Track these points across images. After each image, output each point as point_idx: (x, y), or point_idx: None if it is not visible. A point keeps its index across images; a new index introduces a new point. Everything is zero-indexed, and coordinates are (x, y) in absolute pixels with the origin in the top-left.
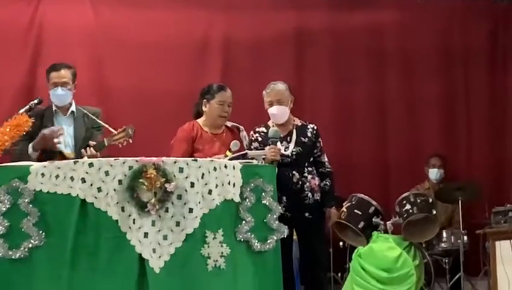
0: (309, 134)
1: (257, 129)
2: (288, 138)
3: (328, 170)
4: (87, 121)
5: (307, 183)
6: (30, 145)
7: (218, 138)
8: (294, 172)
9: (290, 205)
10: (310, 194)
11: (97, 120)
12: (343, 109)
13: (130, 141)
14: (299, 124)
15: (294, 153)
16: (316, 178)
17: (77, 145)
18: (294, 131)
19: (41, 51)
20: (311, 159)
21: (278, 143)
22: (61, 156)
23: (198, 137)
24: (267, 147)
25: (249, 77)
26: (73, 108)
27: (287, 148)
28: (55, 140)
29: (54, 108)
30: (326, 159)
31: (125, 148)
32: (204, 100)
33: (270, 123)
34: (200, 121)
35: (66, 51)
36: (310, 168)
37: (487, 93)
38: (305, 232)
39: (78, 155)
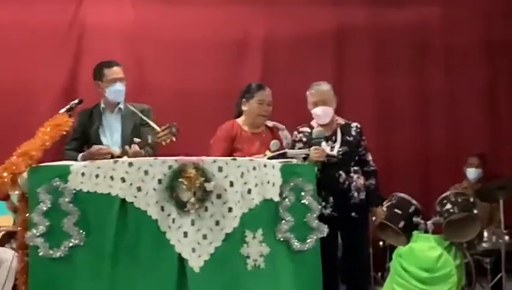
0: (353, 133)
1: (301, 129)
2: (333, 138)
3: (373, 168)
4: (135, 118)
5: (354, 183)
6: (80, 157)
7: (258, 137)
8: (340, 172)
9: (336, 205)
10: (356, 193)
11: (144, 117)
12: (383, 107)
13: (174, 139)
14: (343, 123)
15: (340, 152)
16: (362, 177)
17: (125, 143)
18: (339, 130)
19: (83, 50)
20: (357, 158)
21: (323, 143)
22: (112, 156)
23: (238, 136)
24: (312, 148)
25: (290, 75)
26: (121, 105)
27: (332, 148)
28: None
29: (102, 105)
30: (370, 157)
31: (164, 147)
32: (244, 99)
33: (313, 123)
34: (240, 120)
35: (107, 50)
36: (355, 168)
37: None
38: (351, 232)
39: (125, 152)
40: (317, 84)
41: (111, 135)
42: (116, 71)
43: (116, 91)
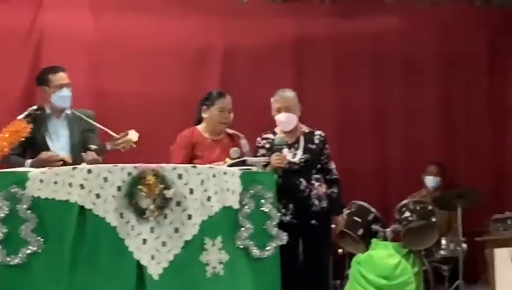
0: (316, 141)
1: (264, 136)
2: (296, 145)
3: (336, 177)
4: (81, 123)
5: (314, 191)
6: (28, 163)
7: (218, 144)
8: (301, 179)
9: (296, 213)
10: (316, 201)
11: (95, 124)
12: (343, 117)
13: (134, 146)
14: (307, 131)
15: (302, 160)
16: (323, 185)
17: (73, 148)
18: (302, 138)
19: (42, 56)
20: (319, 166)
21: (285, 150)
22: (64, 163)
23: (199, 143)
24: (273, 154)
25: (250, 85)
26: (67, 111)
27: (294, 155)
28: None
29: (47, 111)
30: (333, 166)
31: (123, 154)
32: (204, 107)
33: (277, 130)
34: (200, 127)
35: (66, 56)
36: (317, 176)
37: (486, 100)
38: (311, 239)
39: (76, 158)
40: (282, 91)
41: (58, 141)
42: (62, 77)
43: (63, 97)
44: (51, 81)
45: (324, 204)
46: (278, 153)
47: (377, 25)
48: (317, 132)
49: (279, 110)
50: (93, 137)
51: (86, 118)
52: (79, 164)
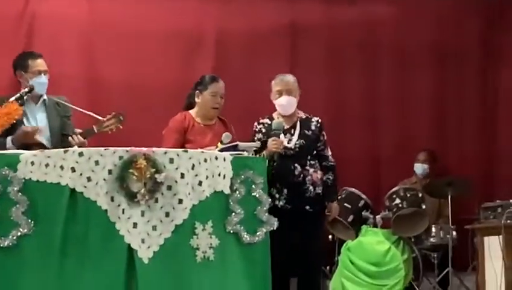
0: (313, 127)
1: (261, 121)
2: (292, 130)
3: (332, 163)
4: (59, 109)
5: (308, 177)
6: (9, 139)
7: (211, 129)
8: (296, 165)
9: (290, 198)
10: (311, 187)
11: (75, 107)
12: (335, 103)
13: (120, 127)
14: (304, 116)
15: (297, 145)
16: (319, 172)
17: (53, 134)
18: (298, 123)
19: (33, 41)
20: (314, 152)
21: (282, 135)
22: (43, 147)
23: (190, 128)
24: (270, 139)
25: (242, 70)
26: (44, 96)
27: (290, 140)
28: (36, 136)
29: (25, 97)
30: (329, 153)
31: (116, 138)
32: (197, 91)
33: (274, 115)
34: (193, 112)
35: (57, 41)
36: (312, 162)
37: (478, 89)
38: (305, 225)
39: (57, 144)
40: (282, 75)
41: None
42: (41, 63)
43: (41, 83)
44: (29, 67)
45: (319, 190)
46: (274, 138)
47: (371, 14)
48: (315, 118)
49: (280, 94)
50: (70, 123)
51: (67, 104)
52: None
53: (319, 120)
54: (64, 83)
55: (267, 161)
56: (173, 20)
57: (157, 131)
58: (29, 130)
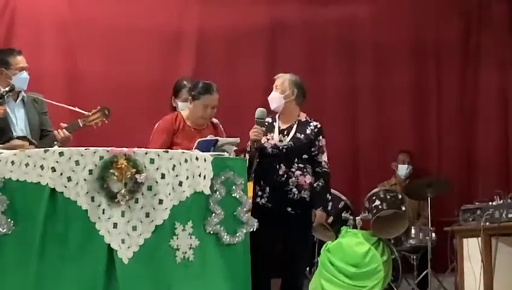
0: (308, 131)
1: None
2: (287, 131)
3: (325, 170)
4: (37, 106)
5: (293, 178)
6: None
7: (199, 132)
8: (281, 165)
9: (272, 197)
10: (295, 189)
11: (63, 105)
12: (313, 103)
13: (106, 121)
14: (303, 120)
15: (285, 146)
16: (308, 176)
17: (32, 130)
18: (295, 126)
19: (14, 37)
20: (306, 156)
21: (276, 134)
22: (25, 139)
23: (180, 129)
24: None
25: (222, 69)
26: (23, 93)
27: (281, 140)
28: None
29: (5, 96)
30: (324, 159)
31: (96, 137)
32: (190, 97)
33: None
34: (184, 114)
35: (38, 37)
36: (301, 165)
37: (458, 88)
38: (287, 227)
39: (36, 140)
40: (281, 74)
41: (17, 124)
42: (22, 60)
43: (23, 79)
44: (11, 64)
45: (305, 195)
46: (256, 126)
47: (349, 12)
48: (313, 123)
49: (274, 88)
50: (47, 119)
51: (47, 100)
52: (38, 147)
53: (318, 125)
54: (44, 80)
55: (246, 161)
56: (154, 18)
57: (137, 129)
58: (19, 144)
